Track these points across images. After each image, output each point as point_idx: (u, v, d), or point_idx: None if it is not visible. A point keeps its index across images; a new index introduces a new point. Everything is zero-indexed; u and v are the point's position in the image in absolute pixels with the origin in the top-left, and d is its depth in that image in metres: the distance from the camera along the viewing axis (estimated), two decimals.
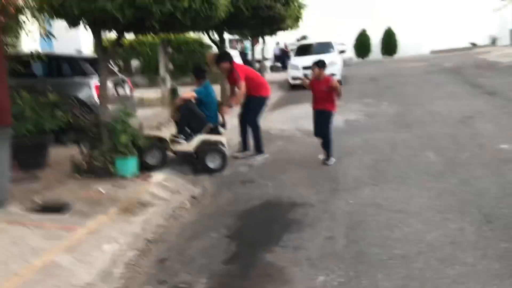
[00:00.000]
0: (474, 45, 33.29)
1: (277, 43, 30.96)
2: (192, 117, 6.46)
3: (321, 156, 6.55)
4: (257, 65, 24.41)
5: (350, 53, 31.23)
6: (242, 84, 6.82)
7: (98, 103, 6.92)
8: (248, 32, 20.57)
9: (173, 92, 11.11)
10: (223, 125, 6.80)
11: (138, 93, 14.75)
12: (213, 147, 6.49)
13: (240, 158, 7.03)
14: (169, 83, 13.31)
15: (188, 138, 6.47)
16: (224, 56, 7.18)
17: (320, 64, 6.43)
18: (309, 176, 5.84)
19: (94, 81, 8.23)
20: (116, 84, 8.84)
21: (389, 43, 33.73)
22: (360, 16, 35.12)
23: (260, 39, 26.24)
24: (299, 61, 16.68)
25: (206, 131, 6.50)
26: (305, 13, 18.84)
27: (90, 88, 8.22)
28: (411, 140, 7.18)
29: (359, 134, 7.98)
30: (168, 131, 6.49)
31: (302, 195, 5.13)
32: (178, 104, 6.59)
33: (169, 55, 13.78)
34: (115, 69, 9.49)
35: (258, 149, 7.13)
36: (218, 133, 6.66)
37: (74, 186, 5.53)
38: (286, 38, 31.74)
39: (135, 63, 19.93)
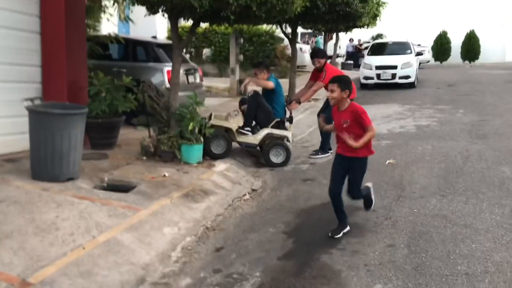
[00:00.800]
0: None
1: (351, 40, 30.40)
2: (260, 110, 6.48)
3: (389, 161, 6.37)
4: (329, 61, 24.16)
5: (428, 55, 30.04)
6: (320, 84, 6.78)
7: (169, 89, 7.14)
8: (322, 27, 20.40)
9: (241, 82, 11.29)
10: (290, 120, 6.76)
11: (207, 82, 15.03)
12: (278, 142, 6.47)
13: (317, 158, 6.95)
14: (238, 74, 13.48)
15: (254, 130, 6.51)
16: (323, 52, 7.22)
17: (336, 82, 4.03)
18: (373, 180, 5.65)
19: (167, 68, 8.46)
20: (187, 72, 9.03)
21: (471, 47, 32.05)
22: (440, 17, 33.71)
23: (334, 35, 25.88)
24: (372, 60, 16.25)
25: (272, 125, 6.50)
26: (383, 11, 18.35)
27: (162, 74, 8.46)
28: (486, 152, 6.78)
29: (430, 141, 7.65)
30: (235, 122, 6.56)
31: None
32: (250, 84, 6.67)
33: (240, 46, 13.91)
34: (187, 57, 9.69)
35: (323, 147, 7.05)
36: (284, 127, 6.63)
37: (141, 167, 5.71)
38: (361, 35, 31.08)
39: (206, 51, 20.31)
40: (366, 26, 19.74)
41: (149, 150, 6.16)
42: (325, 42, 25.10)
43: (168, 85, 8.40)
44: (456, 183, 5.43)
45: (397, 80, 15.57)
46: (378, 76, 15.56)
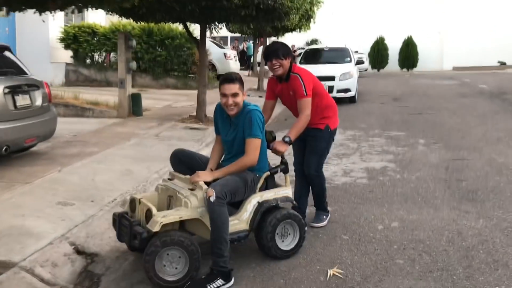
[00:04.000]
0: (503, 64, 30.02)
1: None
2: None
3: (332, 271, 3.38)
4: (258, 68, 21.25)
5: (366, 63, 28.03)
6: (307, 102, 3.90)
7: None
8: (248, 29, 17.52)
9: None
10: (285, 169, 3.80)
11: (98, 95, 11.55)
12: (281, 213, 3.61)
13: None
14: (129, 86, 10.16)
15: (227, 256, 3.32)
16: (284, 48, 3.98)
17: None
18: None
19: None
20: (13, 91, 5.64)
21: (409, 54, 30.47)
22: (378, 22, 32.03)
23: (267, 40, 23.24)
24: None
25: (259, 186, 3.64)
26: (317, 11, 15.74)
27: None
28: (494, 237, 3.94)
29: (393, 207, 4.75)
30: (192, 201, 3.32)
31: None
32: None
33: (133, 50, 10.60)
34: (20, 65, 6.25)
35: (323, 206, 4.35)
36: (274, 183, 3.73)
37: None
38: (294, 40, 28.68)
39: (112, 56, 16.77)
40: (298, 29, 17.08)
41: None
42: (255, 47, 22.33)
43: None
44: None
45: (334, 94, 12.84)
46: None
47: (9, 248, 3.55)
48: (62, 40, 16.12)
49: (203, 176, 3.48)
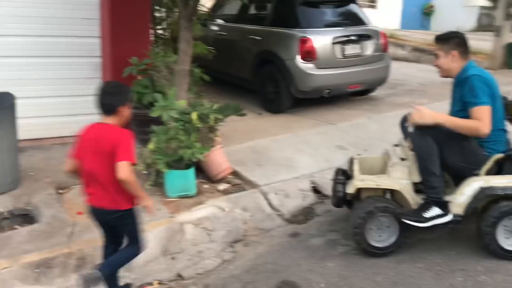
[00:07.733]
0: None
1: None
2: (448, 151, 3.09)
3: None
4: None
5: None
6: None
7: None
8: None
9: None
10: None
11: (476, 41, 10.61)
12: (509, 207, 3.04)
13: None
14: (507, 34, 9.04)
15: (439, 186, 3.14)
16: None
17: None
18: None
19: (302, 35, 6.06)
20: (344, 41, 6.26)
21: None
22: None
23: None
24: None
25: (489, 169, 3.11)
26: None
27: (294, 45, 6.09)
28: None
29: None
30: (402, 172, 3.27)
31: None
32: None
33: None
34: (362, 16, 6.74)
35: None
36: None
37: None
38: None
39: None
40: None
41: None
42: None
43: (300, 61, 6.09)
44: None
45: None
46: None
47: (266, 173, 4.41)
48: None
49: (421, 112, 3.03)
